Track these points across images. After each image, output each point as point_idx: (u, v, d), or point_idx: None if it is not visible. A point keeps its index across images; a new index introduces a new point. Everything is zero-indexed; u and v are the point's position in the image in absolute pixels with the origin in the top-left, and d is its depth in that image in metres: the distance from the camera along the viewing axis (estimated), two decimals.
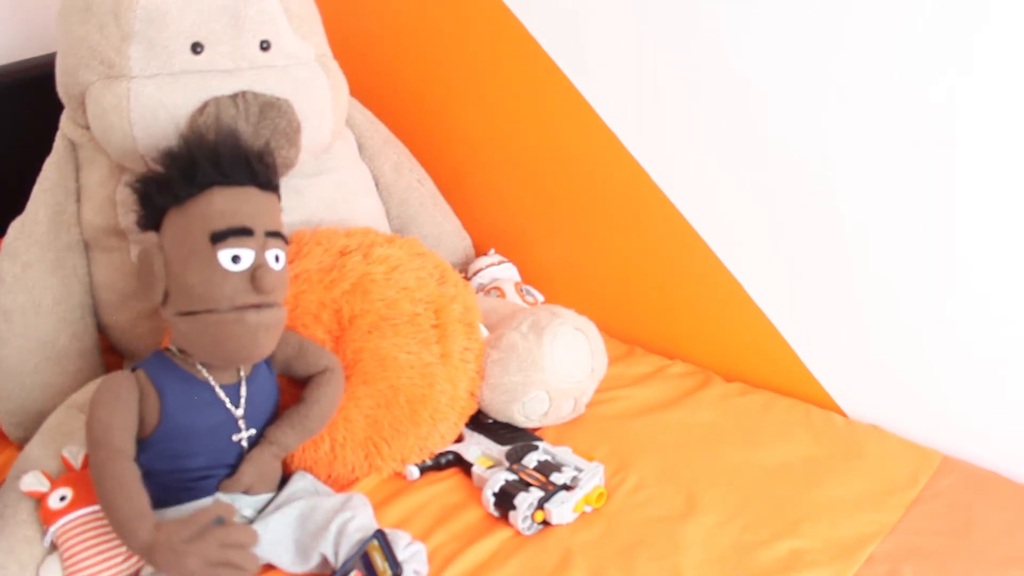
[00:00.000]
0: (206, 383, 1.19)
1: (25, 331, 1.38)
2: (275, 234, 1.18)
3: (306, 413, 1.25)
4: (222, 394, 1.19)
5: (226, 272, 1.13)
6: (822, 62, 1.34)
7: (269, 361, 1.25)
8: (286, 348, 1.26)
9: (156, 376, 1.17)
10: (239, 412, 1.21)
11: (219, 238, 1.13)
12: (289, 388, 1.30)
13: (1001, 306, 1.31)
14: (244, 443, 1.22)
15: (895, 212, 1.35)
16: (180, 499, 1.19)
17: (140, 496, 1.10)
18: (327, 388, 1.27)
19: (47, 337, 1.39)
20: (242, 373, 1.22)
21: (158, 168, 1.19)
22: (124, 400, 1.14)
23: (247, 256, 1.14)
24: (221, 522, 1.09)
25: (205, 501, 1.19)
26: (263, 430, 1.24)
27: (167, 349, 1.21)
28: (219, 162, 1.16)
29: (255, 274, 1.13)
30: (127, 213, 1.35)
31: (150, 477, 1.15)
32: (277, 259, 1.17)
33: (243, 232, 1.14)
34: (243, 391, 1.21)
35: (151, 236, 1.20)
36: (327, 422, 1.28)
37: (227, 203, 1.15)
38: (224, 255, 1.13)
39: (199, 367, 1.19)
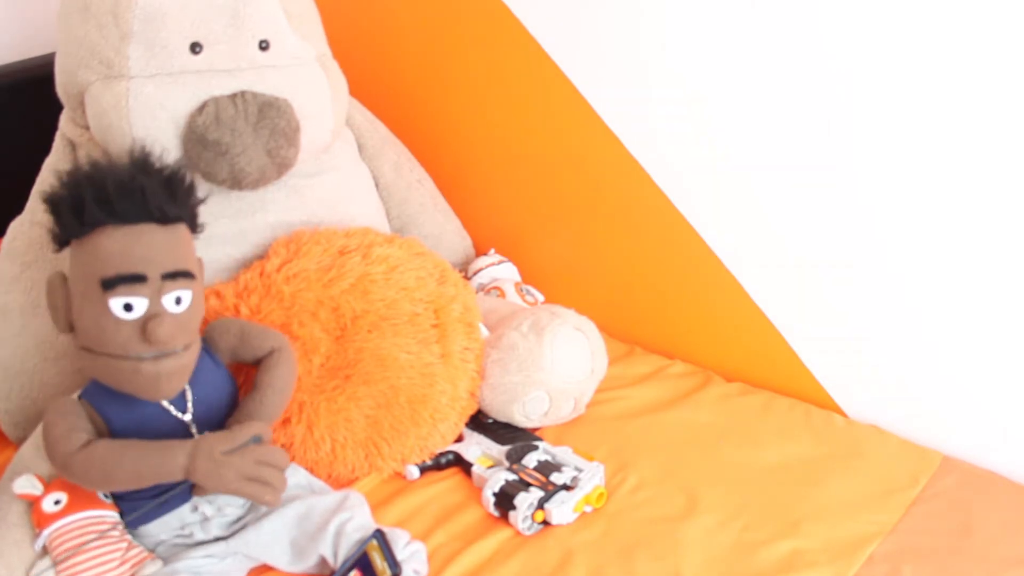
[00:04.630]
0: None
1: (24, 331, 1.38)
2: (176, 274, 1.09)
3: (261, 399, 1.20)
4: (166, 403, 1.15)
5: (118, 320, 1.05)
6: (822, 64, 1.34)
7: (214, 354, 1.22)
8: (228, 337, 1.22)
9: (99, 403, 1.14)
10: (187, 417, 1.17)
11: (109, 285, 1.05)
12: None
13: (1001, 306, 1.31)
14: None
15: (894, 211, 1.35)
16: (159, 513, 1.18)
17: (144, 444, 1.09)
18: (277, 370, 1.23)
19: (46, 337, 1.38)
20: None
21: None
22: (75, 413, 1.12)
23: (139, 304, 1.06)
24: (259, 440, 1.13)
25: (184, 509, 1.18)
26: (225, 423, 1.20)
27: None
28: (108, 199, 1.06)
29: (146, 326, 1.05)
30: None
31: (121, 501, 1.15)
32: (179, 301, 1.09)
33: (134, 279, 1.06)
34: (189, 395, 1.17)
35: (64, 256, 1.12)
36: (286, 403, 1.25)
37: (116, 245, 1.06)
38: (115, 303, 1.05)
39: None
